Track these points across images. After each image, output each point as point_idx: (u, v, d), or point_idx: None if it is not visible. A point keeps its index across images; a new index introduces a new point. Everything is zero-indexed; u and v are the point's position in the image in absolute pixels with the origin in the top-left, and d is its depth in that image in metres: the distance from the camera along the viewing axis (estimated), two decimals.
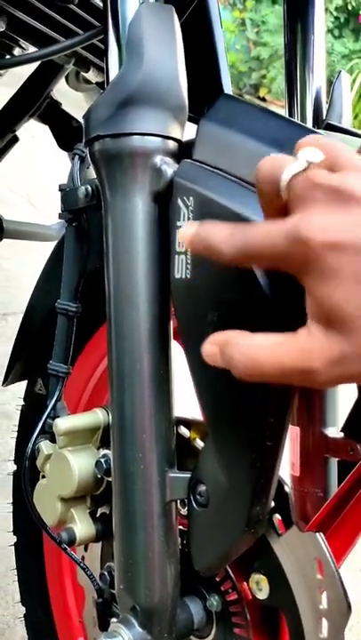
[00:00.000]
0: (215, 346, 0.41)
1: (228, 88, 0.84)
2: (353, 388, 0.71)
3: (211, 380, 0.50)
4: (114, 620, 0.58)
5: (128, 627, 0.56)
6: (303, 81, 0.76)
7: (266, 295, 0.45)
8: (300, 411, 0.74)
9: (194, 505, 0.54)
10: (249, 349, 0.39)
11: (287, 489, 0.53)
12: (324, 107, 0.72)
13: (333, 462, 0.74)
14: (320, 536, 0.50)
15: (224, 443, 0.50)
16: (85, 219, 0.65)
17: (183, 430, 0.60)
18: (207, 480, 0.53)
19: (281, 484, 0.53)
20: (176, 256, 0.51)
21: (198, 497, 0.54)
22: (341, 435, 0.74)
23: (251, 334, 0.40)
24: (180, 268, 0.51)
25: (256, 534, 0.51)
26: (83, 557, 0.73)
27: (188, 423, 0.60)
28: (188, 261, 0.50)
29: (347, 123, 0.68)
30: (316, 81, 0.75)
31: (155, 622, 0.56)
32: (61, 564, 0.84)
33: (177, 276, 0.51)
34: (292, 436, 0.76)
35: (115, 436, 0.56)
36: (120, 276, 0.55)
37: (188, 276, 0.50)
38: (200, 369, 0.50)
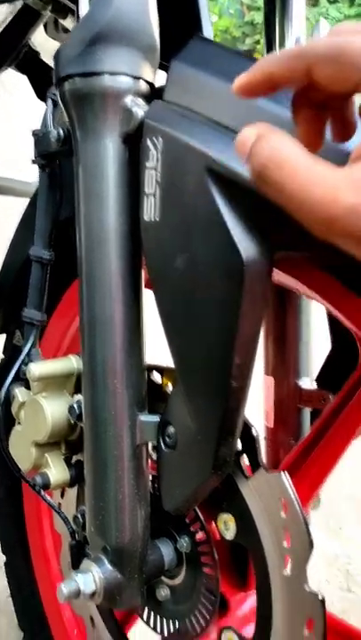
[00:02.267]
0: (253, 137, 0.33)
1: (208, 33, 0.82)
2: (327, 340, 0.71)
3: (179, 322, 0.50)
4: (86, 559, 0.59)
5: (99, 565, 0.57)
6: (282, 32, 0.75)
7: (230, 235, 0.45)
8: (275, 362, 0.75)
9: (163, 447, 0.55)
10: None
11: (254, 432, 0.53)
12: None
13: (307, 412, 0.75)
14: (285, 476, 0.51)
15: (192, 384, 0.51)
16: (59, 165, 0.64)
17: (155, 377, 0.61)
18: (176, 422, 0.53)
19: (248, 426, 0.53)
20: (145, 198, 0.51)
21: (167, 439, 0.54)
22: (315, 385, 0.74)
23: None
24: (149, 210, 0.51)
25: (223, 475, 0.52)
26: (59, 504, 0.74)
27: (161, 370, 0.60)
28: (157, 203, 0.50)
29: None
30: (295, 31, 0.74)
31: (125, 562, 0.57)
32: (40, 514, 0.85)
33: (146, 218, 0.51)
34: (267, 386, 0.77)
35: (86, 380, 0.57)
36: (90, 217, 0.54)
37: (157, 219, 0.50)
38: (169, 312, 0.50)
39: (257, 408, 0.57)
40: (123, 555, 0.57)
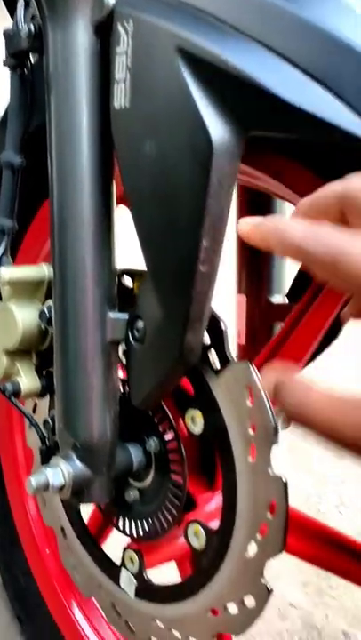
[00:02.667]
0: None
1: None
2: None
3: (149, 208, 0.50)
4: (56, 456, 0.60)
5: (68, 460, 0.58)
6: None
7: (199, 115, 0.45)
8: (248, 279, 0.76)
9: (132, 341, 0.55)
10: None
11: (222, 325, 0.54)
12: None
13: (278, 329, 0.76)
14: (251, 366, 0.52)
15: (160, 272, 0.51)
16: (30, 66, 0.63)
17: (127, 281, 0.61)
18: (144, 314, 0.54)
19: (217, 320, 0.54)
20: (115, 85, 0.51)
21: (136, 332, 0.55)
22: (286, 300, 0.75)
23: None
24: (119, 98, 0.50)
25: (189, 363, 0.52)
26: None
27: (133, 274, 0.61)
28: (128, 89, 0.50)
29: None
30: None
31: (93, 457, 0.58)
32: (13, 433, 0.86)
33: (116, 106, 0.51)
34: (239, 304, 0.78)
35: (56, 275, 0.56)
36: (60, 110, 0.54)
37: (128, 105, 0.50)
38: (138, 198, 0.50)
39: (230, 327, 0.57)
40: (91, 450, 0.58)
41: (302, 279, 0.70)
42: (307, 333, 0.60)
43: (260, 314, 0.76)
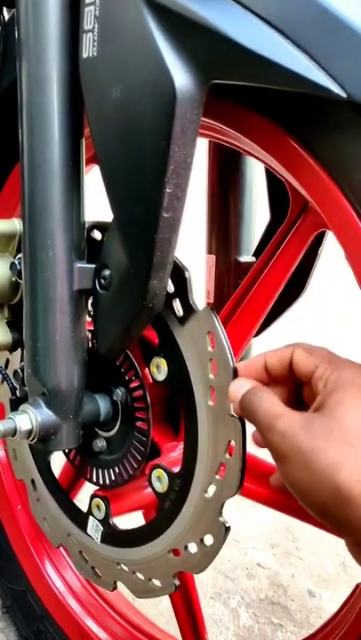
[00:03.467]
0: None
1: None
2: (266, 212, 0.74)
3: (115, 155, 0.51)
4: (24, 403, 0.61)
5: (36, 407, 0.59)
6: None
7: (163, 62, 0.46)
8: (218, 240, 0.77)
9: (98, 289, 0.57)
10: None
11: (186, 274, 0.56)
12: None
13: None
14: (212, 311, 0.54)
15: (126, 220, 0.52)
16: (3, 22, 0.64)
17: (96, 234, 0.62)
18: (110, 262, 0.55)
19: (180, 269, 0.56)
20: (84, 35, 0.52)
21: (102, 281, 0.56)
22: (253, 259, 0.77)
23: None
24: (88, 47, 0.51)
25: (154, 310, 0.54)
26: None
27: (102, 227, 0.62)
28: (95, 38, 0.51)
29: None
30: None
31: (61, 403, 0.60)
32: None
33: (84, 55, 0.52)
34: (208, 265, 0.80)
35: (25, 227, 0.58)
36: (31, 64, 0.55)
37: (95, 54, 0.51)
38: (105, 145, 0.52)
39: (199, 287, 0.59)
40: (59, 397, 0.59)
41: (268, 238, 0.72)
42: (267, 288, 0.62)
43: (228, 273, 0.78)
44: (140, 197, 0.50)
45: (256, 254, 0.76)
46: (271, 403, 0.47)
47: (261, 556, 1.21)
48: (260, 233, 0.74)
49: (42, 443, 0.61)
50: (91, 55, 0.51)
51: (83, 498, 0.79)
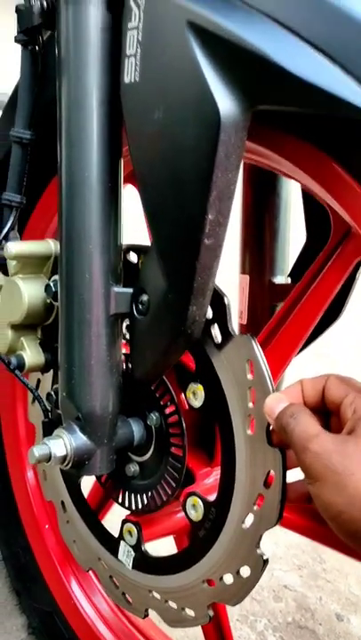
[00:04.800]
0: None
1: None
2: (303, 235, 0.73)
3: (156, 179, 0.51)
4: (58, 428, 0.60)
5: (70, 432, 0.59)
6: None
7: (208, 87, 0.46)
8: (252, 260, 0.76)
9: (135, 315, 0.56)
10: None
11: (226, 300, 0.55)
12: None
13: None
14: (252, 339, 0.53)
15: (165, 245, 0.52)
16: (42, 42, 0.64)
17: (132, 257, 0.62)
18: (148, 287, 0.54)
19: (220, 295, 0.55)
20: (126, 59, 0.51)
21: (140, 306, 0.56)
22: (288, 280, 0.76)
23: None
24: (130, 72, 0.51)
25: (192, 336, 0.53)
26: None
27: (138, 250, 0.61)
28: (138, 63, 0.50)
29: None
30: None
31: (95, 428, 0.59)
32: (15, 409, 0.87)
33: (126, 80, 0.51)
34: (242, 285, 0.79)
35: (62, 249, 0.57)
36: (71, 85, 0.54)
37: (138, 79, 0.50)
38: (146, 170, 0.51)
39: (233, 307, 0.59)
40: (93, 422, 0.59)
41: (304, 260, 0.71)
42: (307, 313, 0.61)
43: (262, 294, 0.77)
44: (180, 223, 0.50)
45: (291, 276, 0.75)
46: (307, 423, 0.47)
47: (288, 577, 1.19)
48: (295, 254, 0.73)
49: (75, 468, 0.60)
50: (133, 80, 0.51)
51: (111, 517, 0.78)
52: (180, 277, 0.51)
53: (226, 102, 0.46)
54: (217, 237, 0.50)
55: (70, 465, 0.59)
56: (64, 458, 0.59)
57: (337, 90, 0.42)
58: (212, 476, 0.63)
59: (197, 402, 0.58)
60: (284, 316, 0.62)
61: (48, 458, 0.59)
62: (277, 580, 1.17)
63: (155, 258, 0.53)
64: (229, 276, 0.76)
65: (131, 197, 0.63)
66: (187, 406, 0.60)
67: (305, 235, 0.69)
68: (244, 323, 0.79)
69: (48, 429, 0.67)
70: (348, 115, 0.43)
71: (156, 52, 0.49)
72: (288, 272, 0.76)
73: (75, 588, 0.84)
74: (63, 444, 0.59)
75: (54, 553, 0.86)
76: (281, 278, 0.77)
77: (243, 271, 0.78)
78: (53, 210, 0.77)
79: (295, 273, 0.74)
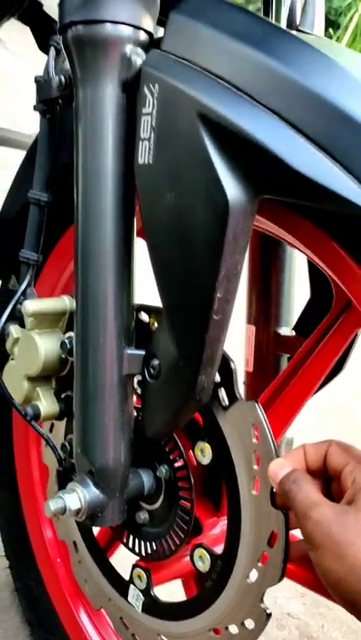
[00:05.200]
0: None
1: None
2: (307, 288, 0.76)
3: (168, 258, 0.54)
4: (72, 481, 0.64)
5: (84, 485, 0.62)
6: None
7: (217, 176, 0.49)
8: (257, 311, 0.79)
9: (147, 377, 0.59)
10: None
11: (232, 365, 0.58)
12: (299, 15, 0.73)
13: (284, 359, 0.80)
14: (258, 405, 0.56)
15: (177, 317, 0.55)
16: (59, 111, 0.67)
17: (143, 316, 0.65)
18: (160, 354, 0.58)
19: (227, 360, 0.58)
20: (140, 142, 0.54)
21: (151, 370, 0.59)
22: (293, 333, 0.79)
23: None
24: (144, 154, 0.54)
25: (201, 402, 0.56)
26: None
27: (149, 310, 0.64)
28: (152, 147, 0.53)
29: (318, 31, 0.70)
30: None
31: (108, 483, 0.62)
32: (29, 450, 0.90)
33: (140, 161, 0.54)
34: (248, 334, 0.82)
35: (78, 314, 0.60)
36: (87, 161, 0.58)
37: (151, 162, 0.54)
38: (158, 249, 0.54)
39: (239, 355, 0.62)
40: (106, 476, 0.62)
41: (310, 314, 0.74)
42: (315, 368, 0.64)
43: (267, 344, 0.80)
44: (190, 300, 0.53)
45: (296, 329, 0.78)
46: (308, 491, 0.49)
47: (291, 605, 1.22)
48: (299, 306, 0.76)
49: (89, 520, 0.63)
50: (146, 162, 0.54)
51: (119, 555, 0.81)
52: (190, 348, 0.54)
53: (234, 190, 0.49)
54: (225, 313, 0.53)
55: (84, 517, 0.62)
56: (78, 511, 0.62)
57: (338, 188, 0.45)
58: (219, 526, 0.66)
59: (205, 459, 0.61)
60: (292, 370, 0.65)
61: (63, 511, 0.62)
62: (280, 608, 1.20)
63: (165, 327, 0.56)
64: (236, 324, 0.79)
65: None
66: (195, 462, 0.63)
67: (310, 292, 0.72)
68: (251, 370, 0.82)
69: (62, 478, 0.70)
70: (347, 212, 0.46)
71: (168, 139, 0.52)
72: (293, 324, 0.79)
73: (85, 622, 0.87)
74: (77, 497, 0.62)
75: (65, 587, 0.89)
76: (286, 330, 0.80)
77: (249, 321, 0.81)
78: (65, 262, 0.81)
79: (300, 326, 0.77)
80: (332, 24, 5.54)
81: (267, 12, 0.75)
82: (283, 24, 0.74)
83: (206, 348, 0.53)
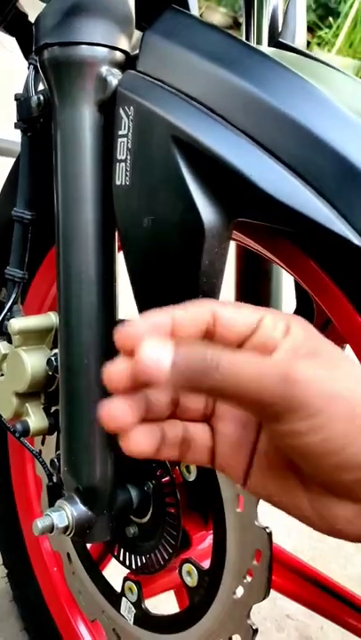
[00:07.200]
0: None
1: (193, 5, 0.83)
2: (292, 296, 0.76)
3: (145, 279, 0.54)
4: (60, 499, 0.64)
5: (71, 503, 0.62)
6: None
7: (192, 200, 0.49)
8: None
9: None
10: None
11: None
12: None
13: None
14: None
15: None
16: (41, 128, 0.67)
17: None
18: None
19: None
20: (117, 164, 0.54)
21: None
22: None
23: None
24: (121, 175, 0.54)
25: None
26: (40, 451, 0.79)
27: None
28: (128, 168, 0.54)
29: (300, 43, 0.70)
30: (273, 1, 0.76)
31: (95, 500, 0.62)
32: (24, 461, 0.90)
33: (117, 182, 0.55)
34: None
35: (61, 331, 0.61)
36: (67, 181, 0.58)
37: (127, 183, 0.54)
38: (136, 269, 0.54)
39: None
40: (93, 494, 0.62)
41: (299, 314, 0.73)
42: None
43: None
44: None
45: None
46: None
47: (290, 606, 1.22)
48: (289, 307, 0.76)
49: (77, 536, 0.63)
50: (123, 183, 0.54)
51: (116, 567, 0.82)
52: None
53: (209, 213, 0.49)
54: None
55: (72, 534, 0.63)
56: (66, 528, 0.62)
57: (310, 212, 0.45)
58: (207, 540, 0.67)
59: (191, 476, 0.62)
60: None
61: (51, 529, 0.62)
62: (280, 610, 1.21)
63: None
64: None
65: None
66: (181, 479, 0.63)
67: (295, 306, 0.73)
68: None
69: (52, 493, 0.70)
70: (320, 237, 0.46)
71: (144, 162, 0.52)
72: None
73: (83, 631, 0.88)
74: (65, 515, 0.62)
75: (62, 595, 0.90)
76: None
77: None
78: (52, 278, 0.81)
79: None
80: (331, 12, 5.49)
81: (248, 24, 0.75)
82: (265, 35, 0.73)
83: None
